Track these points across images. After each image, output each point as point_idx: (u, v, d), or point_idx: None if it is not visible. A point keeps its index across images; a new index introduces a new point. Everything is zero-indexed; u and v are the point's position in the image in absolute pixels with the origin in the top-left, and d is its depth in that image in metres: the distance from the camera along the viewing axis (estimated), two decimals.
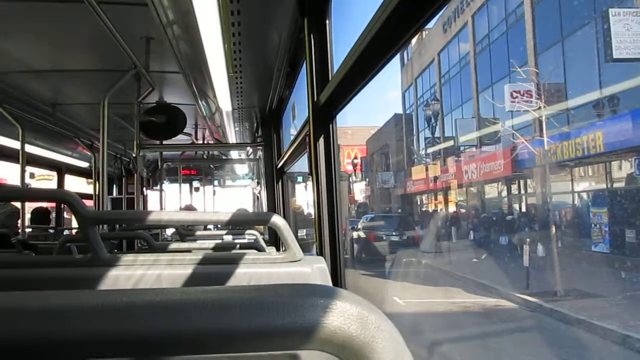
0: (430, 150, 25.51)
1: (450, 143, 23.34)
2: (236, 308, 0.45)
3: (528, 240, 13.95)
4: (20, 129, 4.81)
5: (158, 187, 7.81)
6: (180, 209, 8.89)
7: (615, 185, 14.15)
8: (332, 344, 0.45)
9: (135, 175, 5.38)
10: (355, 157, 34.54)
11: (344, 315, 0.45)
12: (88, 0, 2.50)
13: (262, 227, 5.17)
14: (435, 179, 24.16)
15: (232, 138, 6.56)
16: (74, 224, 9.11)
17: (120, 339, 0.44)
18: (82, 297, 0.46)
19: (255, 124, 6.33)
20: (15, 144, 5.01)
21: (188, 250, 2.17)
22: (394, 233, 20.05)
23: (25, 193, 2.88)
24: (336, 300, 0.46)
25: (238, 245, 2.53)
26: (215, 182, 13.38)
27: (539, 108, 14.86)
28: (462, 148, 22.64)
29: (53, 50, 3.78)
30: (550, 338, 8.99)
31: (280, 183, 5.49)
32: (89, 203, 6.78)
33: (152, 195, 9.32)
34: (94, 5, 2.56)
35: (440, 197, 24.85)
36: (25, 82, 4.36)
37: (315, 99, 2.46)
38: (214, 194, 13.71)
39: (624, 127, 12.88)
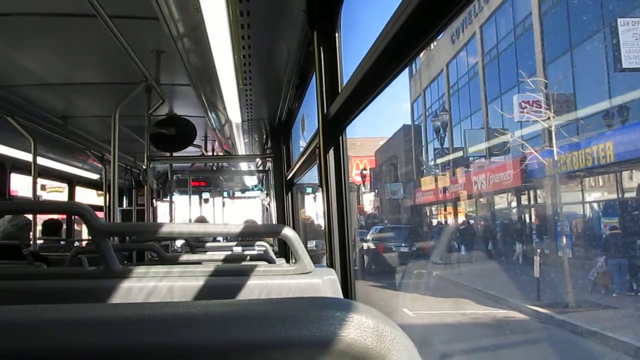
0: (439, 161, 25.43)
1: (460, 154, 23.27)
2: (256, 321, 0.45)
3: (539, 251, 13.85)
4: (32, 142, 4.86)
5: (168, 198, 7.84)
6: (195, 221, 8.91)
7: (627, 195, 14.03)
8: (349, 356, 0.45)
9: (145, 187, 5.42)
10: (364, 168, 34.47)
11: (360, 328, 0.45)
12: (100, 14, 2.53)
13: (271, 238, 5.17)
14: (445, 189, 24.06)
15: (241, 150, 6.58)
16: (84, 235, 9.17)
17: (141, 351, 0.44)
18: (105, 310, 0.47)
19: (264, 136, 6.34)
20: (27, 157, 5.06)
21: (198, 262, 2.17)
22: (403, 244, 19.97)
23: (40, 206, 2.92)
24: (352, 313, 0.46)
25: (248, 257, 2.53)
26: (225, 194, 13.43)
27: (548, 118, 14.80)
28: (471, 159, 22.57)
29: (65, 64, 3.82)
30: (563, 350, 8.90)
31: (289, 194, 5.49)
32: (99, 214, 6.80)
33: (161, 207, 9.37)
34: (105, 20, 2.60)
35: (450, 208, 24.72)
36: (38, 95, 4.41)
37: (325, 111, 2.47)
38: (223, 205, 13.75)
39: (634, 137, 12.81)
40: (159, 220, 8.80)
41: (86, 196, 8.67)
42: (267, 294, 1.57)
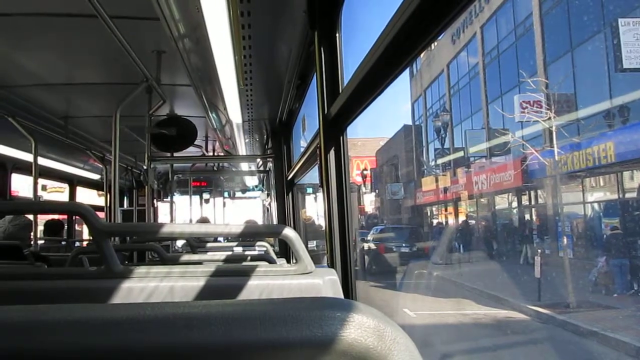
0: (439, 161, 25.42)
1: (460, 154, 23.24)
2: (257, 321, 0.45)
3: (539, 251, 13.84)
4: (33, 142, 4.86)
5: (168, 198, 7.85)
6: (197, 221, 8.91)
7: (628, 195, 14.02)
8: (350, 356, 0.45)
9: (146, 187, 5.41)
10: (365, 169, 34.41)
11: (361, 328, 0.45)
12: (101, 15, 2.53)
13: (272, 238, 5.17)
14: (445, 190, 24.03)
15: (242, 150, 6.58)
16: (85, 235, 9.17)
17: (141, 352, 0.44)
18: (105, 310, 0.47)
19: (265, 136, 6.35)
20: (28, 157, 5.06)
21: (199, 263, 2.17)
22: (404, 244, 19.96)
23: (40, 206, 2.91)
24: (353, 313, 0.46)
25: (249, 257, 2.52)
26: (225, 194, 13.43)
27: (549, 118, 14.78)
28: (472, 159, 22.55)
29: (66, 64, 3.82)
30: (564, 350, 8.89)
31: (290, 194, 5.50)
32: (100, 215, 6.80)
33: (162, 207, 9.37)
34: (106, 20, 2.60)
35: (451, 208, 24.70)
36: (38, 95, 4.41)
37: (326, 111, 2.47)
38: (224, 205, 13.75)
39: (635, 137, 12.80)
40: (159, 221, 8.80)
41: (87, 196, 8.67)
42: (268, 294, 1.57)
